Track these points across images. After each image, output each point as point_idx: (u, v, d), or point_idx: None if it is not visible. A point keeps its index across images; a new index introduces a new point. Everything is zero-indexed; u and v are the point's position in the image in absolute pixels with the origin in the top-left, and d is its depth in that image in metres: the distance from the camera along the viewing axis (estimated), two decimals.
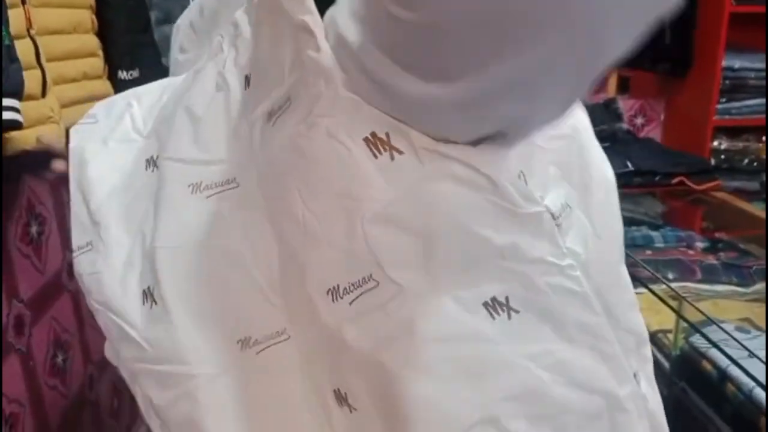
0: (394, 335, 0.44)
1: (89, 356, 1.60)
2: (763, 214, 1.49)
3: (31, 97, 1.06)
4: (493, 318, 0.45)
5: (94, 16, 1.41)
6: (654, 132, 2.62)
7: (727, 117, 2.32)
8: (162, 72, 1.87)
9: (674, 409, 0.97)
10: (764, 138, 2.39)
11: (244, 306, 0.50)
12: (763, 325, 1.01)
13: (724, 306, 1.08)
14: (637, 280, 1.15)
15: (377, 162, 0.43)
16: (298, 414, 0.49)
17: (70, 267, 1.48)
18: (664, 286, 1.15)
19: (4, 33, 0.90)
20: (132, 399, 1.84)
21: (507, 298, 0.45)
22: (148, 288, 0.53)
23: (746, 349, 0.85)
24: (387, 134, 0.43)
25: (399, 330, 0.44)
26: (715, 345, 0.90)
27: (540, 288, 0.46)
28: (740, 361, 0.85)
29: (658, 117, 2.61)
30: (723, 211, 1.56)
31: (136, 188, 0.59)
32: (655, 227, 1.49)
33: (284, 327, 0.49)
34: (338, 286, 0.45)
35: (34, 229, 1.32)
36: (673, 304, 0.99)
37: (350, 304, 0.44)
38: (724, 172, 2.43)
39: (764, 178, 2.45)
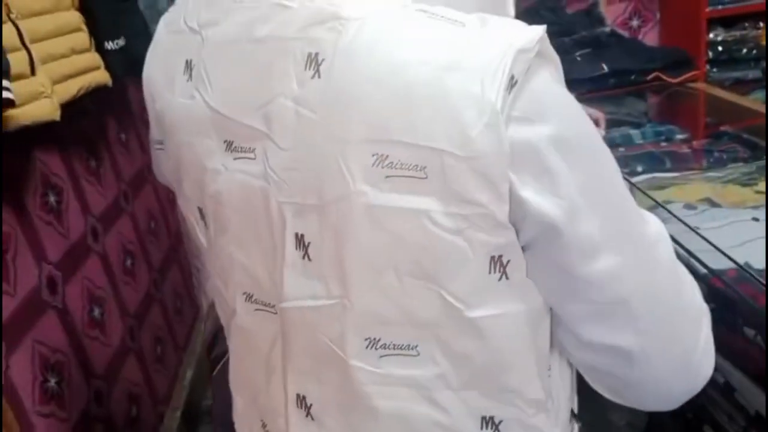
0: None
1: (126, 310, 1.75)
2: (741, 101, 1.50)
3: (21, 77, 1.15)
4: None
5: None
6: (652, 32, 2.59)
7: (720, 7, 2.27)
8: (148, 39, 1.96)
9: None
10: (761, 24, 2.34)
11: None
12: (722, 202, 1.07)
13: (688, 189, 1.13)
14: None
15: None
16: None
17: (93, 231, 1.63)
18: (633, 178, 1.21)
19: None
20: (175, 345, 2.02)
21: None
22: None
23: (682, 221, 0.92)
24: None
25: None
26: None
27: None
28: (682, 235, 0.91)
29: (654, 16, 2.57)
30: (701, 101, 1.57)
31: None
32: (637, 126, 1.53)
33: None
34: None
35: (52, 199, 1.44)
36: (633, 192, 1.05)
37: None
38: (723, 64, 2.40)
39: (765, 65, 2.42)
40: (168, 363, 2.02)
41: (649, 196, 1.01)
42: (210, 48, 0.58)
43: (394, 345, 0.54)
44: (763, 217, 0.97)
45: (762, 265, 0.84)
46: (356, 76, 0.49)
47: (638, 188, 1.03)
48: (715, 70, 2.40)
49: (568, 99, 0.52)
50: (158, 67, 0.64)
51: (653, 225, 0.57)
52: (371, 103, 0.49)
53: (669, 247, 0.58)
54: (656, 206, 1.01)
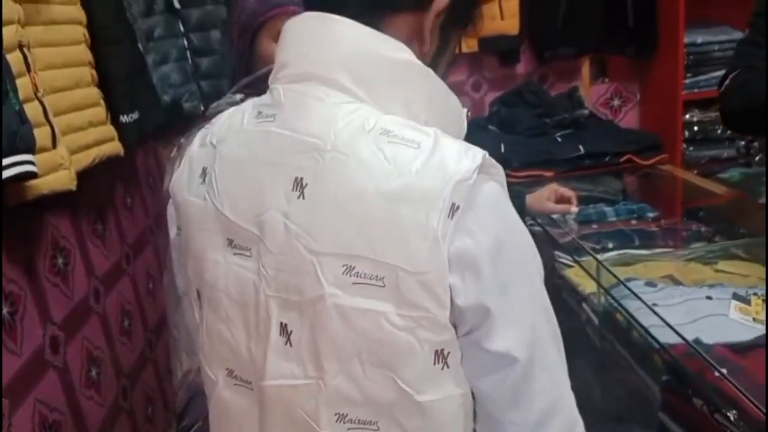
0: None
1: (121, 369, 1.81)
2: (706, 184, 1.62)
3: (43, 150, 1.26)
4: None
5: (93, 71, 1.62)
6: (632, 112, 2.75)
7: (696, 90, 2.44)
8: (161, 111, 2.09)
9: (605, 358, 1.13)
10: None
11: None
12: (683, 280, 1.16)
13: (653, 266, 1.22)
14: (570, 253, 1.31)
15: None
16: None
17: (96, 292, 1.70)
18: (604, 255, 1.31)
19: (13, 100, 1.10)
20: (165, 406, 2.06)
21: None
22: None
23: (639, 298, 1.01)
24: None
25: None
26: (617, 301, 1.06)
27: None
28: (641, 311, 1.00)
29: (634, 97, 2.74)
30: (670, 183, 1.69)
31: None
32: (611, 203, 1.63)
33: None
34: None
35: (59, 261, 1.53)
36: (599, 269, 1.14)
37: None
38: (699, 143, 2.55)
39: (739, 145, 2.56)
40: (157, 424, 2.05)
41: (612, 273, 1.10)
42: (220, 161, 0.71)
43: (359, 420, 0.64)
44: (716, 295, 1.06)
45: (710, 341, 0.93)
46: (329, 201, 0.61)
47: (603, 265, 1.13)
48: (691, 148, 2.55)
49: (505, 211, 0.63)
50: (185, 172, 0.76)
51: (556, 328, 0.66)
52: (339, 225, 0.61)
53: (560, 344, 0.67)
54: (618, 284, 1.10)
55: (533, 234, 1.48)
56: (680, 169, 2.03)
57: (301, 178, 0.63)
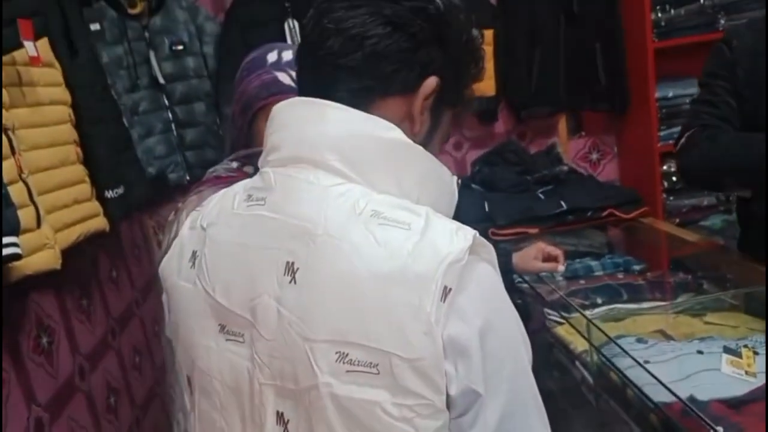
0: None
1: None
2: (686, 235, 1.65)
3: (27, 230, 1.25)
4: None
5: (78, 149, 1.63)
6: (610, 165, 2.81)
7: (671, 141, 2.48)
8: (146, 184, 2.10)
9: (602, 417, 1.11)
10: None
11: None
12: (674, 334, 1.16)
13: (642, 321, 1.23)
14: (558, 310, 1.31)
15: None
16: None
17: (81, 369, 1.66)
18: (593, 311, 1.31)
19: None
20: None
21: None
22: None
23: (631, 357, 1.01)
24: None
25: None
26: (609, 360, 1.05)
27: None
28: (634, 368, 1.00)
29: (612, 150, 2.80)
30: (652, 235, 1.71)
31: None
32: (597, 257, 1.65)
33: None
34: None
35: (44, 340, 1.50)
36: (588, 327, 1.14)
37: None
38: (679, 192, 2.60)
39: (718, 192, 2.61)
40: None
41: (602, 331, 1.10)
42: (211, 245, 0.70)
43: None
44: (707, 349, 1.07)
45: (704, 397, 0.93)
46: (320, 287, 0.61)
47: (592, 323, 1.13)
48: (671, 198, 2.59)
49: (496, 294, 0.63)
50: (175, 255, 0.76)
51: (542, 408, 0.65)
52: (332, 312, 0.60)
53: None
54: (609, 341, 1.10)
55: (522, 292, 1.49)
56: (661, 220, 2.07)
57: (293, 263, 0.62)
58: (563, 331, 1.28)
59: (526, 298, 1.47)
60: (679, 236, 1.64)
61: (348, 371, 0.59)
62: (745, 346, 1.06)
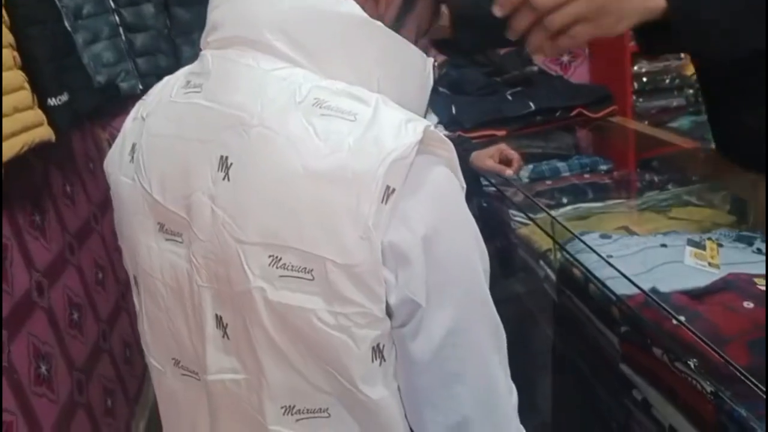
0: None
1: (72, 363, 1.74)
2: (656, 132, 1.62)
3: None
4: None
5: (15, 53, 1.51)
6: (582, 66, 2.75)
7: None
8: (94, 92, 1.98)
9: (563, 313, 1.12)
10: (682, 55, 2.51)
11: None
12: (638, 230, 1.15)
13: (607, 219, 1.21)
14: (524, 211, 1.30)
15: None
16: None
17: (39, 286, 1.62)
18: (559, 210, 1.29)
19: None
20: (126, 397, 2.00)
21: None
22: None
23: (594, 251, 0.99)
24: None
25: None
26: (573, 256, 1.04)
27: None
28: (597, 264, 0.99)
29: (583, 52, 2.73)
30: (620, 134, 1.69)
31: None
32: (564, 158, 1.62)
33: None
34: None
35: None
36: (553, 225, 1.13)
37: None
38: (648, 94, 2.57)
39: (688, 93, 2.58)
40: (119, 416, 1.99)
41: (567, 228, 1.09)
42: (147, 137, 0.65)
43: (307, 410, 0.59)
44: (670, 243, 1.06)
45: (666, 289, 0.92)
46: (254, 183, 0.55)
47: (557, 221, 1.11)
48: (641, 100, 2.57)
49: (451, 201, 0.57)
50: (117, 148, 0.70)
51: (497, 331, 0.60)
52: (265, 213, 0.55)
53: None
54: (573, 238, 1.08)
55: (488, 195, 1.47)
56: (631, 120, 2.04)
57: (227, 157, 0.56)
58: (528, 231, 1.26)
59: (492, 200, 1.45)
60: (650, 135, 1.61)
61: (281, 276, 0.55)
62: (710, 238, 1.06)
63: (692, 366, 0.76)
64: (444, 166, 0.57)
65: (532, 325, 1.34)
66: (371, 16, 0.59)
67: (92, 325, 1.91)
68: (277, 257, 0.54)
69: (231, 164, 0.56)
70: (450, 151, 0.57)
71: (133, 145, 0.66)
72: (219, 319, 0.61)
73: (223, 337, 0.61)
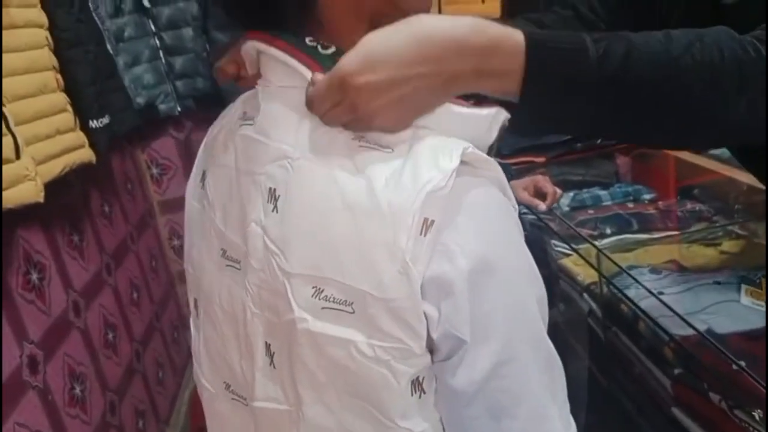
0: None
1: (106, 384, 1.75)
2: (701, 161, 1.57)
3: (6, 161, 1.18)
4: None
5: (58, 75, 1.53)
6: None
7: None
8: (133, 113, 2.01)
9: (609, 349, 1.07)
10: None
11: None
12: (688, 264, 1.11)
13: (654, 251, 1.17)
14: (566, 241, 1.26)
15: None
16: None
17: (75, 306, 1.63)
18: (603, 241, 1.26)
19: None
20: (156, 418, 2.00)
21: None
22: None
23: (645, 288, 0.96)
24: None
25: None
26: (621, 291, 1.00)
27: None
28: (646, 300, 0.95)
29: None
30: (665, 162, 1.64)
31: None
32: (606, 186, 1.58)
33: None
34: None
35: (34, 277, 1.45)
36: (599, 257, 1.09)
37: None
38: None
39: None
40: None
41: (614, 262, 1.05)
42: (212, 166, 0.67)
43: None
44: (724, 280, 1.02)
45: (723, 330, 0.88)
46: (296, 217, 0.56)
47: (604, 254, 1.07)
48: None
49: (495, 224, 0.53)
50: (193, 174, 0.73)
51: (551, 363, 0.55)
52: (307, 245, 0.55)
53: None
54: (620, 272, 1.05)
55: (524, 222, 1.44)
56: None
57: (275, 189, 0.57)
58: (570, 263, 1.22)
59: (532, 228, 1.41)
60: (692, 162, 1.57)
61: (323, 308, 0.54)
62: (765, 276, 1.01)
63: (756, 417, 0.72)
64: (488, 187, 0.54)
65: (571, 359, 1.30)
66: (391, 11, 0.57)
67: (126, 346, 1.91)
68: (319, 289, 0.54)
69: (279, 196, 0.57)
70: (495, 170, 0.55)
71: (203, 173, 0.69)
72: (268, 347, 0.61)
73: (270, 365, 0.62)
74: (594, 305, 1.12)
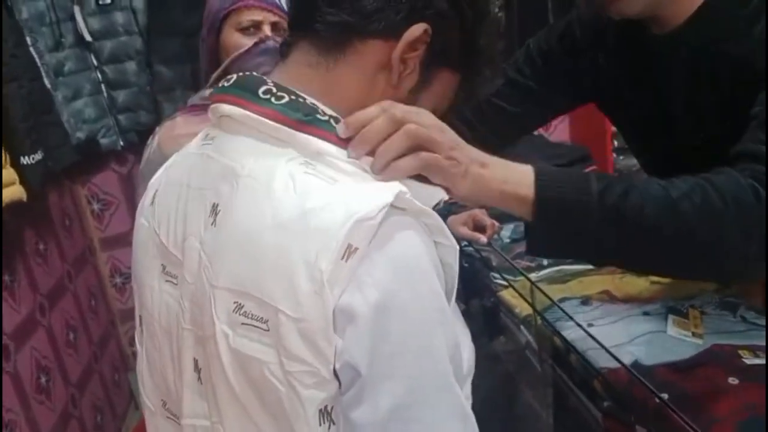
0: None
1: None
2: None
3: None
4: None
5: None
6: (561, 125, 2.77)
7: None
8: (71, 149, 1.96)
9: (546, 382, 1.08)
10: None
11: None
12: (619, 295, 1.12)
13: (589, 282, 1.18)
14: (502, 274, 1.27)
15: None
16: None
17: (5, 349, 1.56)
18: (540, 273, 1.27)
19: None
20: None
21: None
22: None
23: (572, 319, 0.96)
24: None
25: None
26: (551, 325, 1.01)
27: None
28: (578, 332, 0.96)
29: None
30: None
31: None
32: None
33: None
34: None
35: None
36: (532, 290, 1.10)
37: None
38: (627, 152, 2.58)
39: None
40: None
41: (545, 294, 1.06)
42: (164, 185, 0.68)
43: None
44: (652, 311, 1.03)
45: (650, 362, 0.89)
46: (230, 231, 0.56)
47: (536, 286, 1.08)
48: (621, 158, 2.58)
49: (412, 266, 0.53)
50: (145, 195, 0.72)
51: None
52: (235, 259, 0.55)
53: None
54: (552, 305, 1.05)
55: (468, 255, 1.44)
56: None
57: (217, 204, 0.59)
58: (508, 295, 1.23)
59: (473, 261, 1.42)
60: None
61: (243, 323, 0.54)
62: (692, 306, 1.03)
63: None
64: (416, 230, 0.54)
65: (515, 391, 1.29)
66: (385, 86, 0.61)
67: (61, 390, 1.83)
68: (240, 304, 0.54)
69: (219, 211, 0.58)
70: (431, 217, 0.56)
71: (155, 192, 0.70)
72: (196, 363, 0.61)
73: (198, 380, 0.61)
74: (530, 338, 1.12)
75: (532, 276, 1.21)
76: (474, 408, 0.57)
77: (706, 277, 0.94)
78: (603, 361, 0.90)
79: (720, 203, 0.67)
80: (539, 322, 1.07)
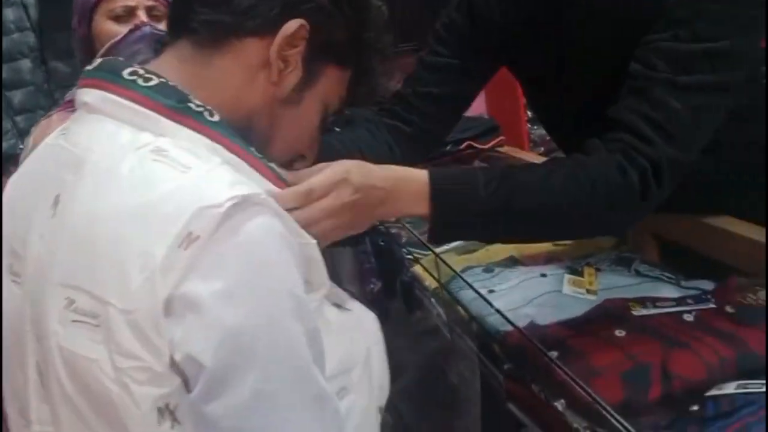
0: None
1: None
2: (540, 159, 1.64)
3: None
4: None
5: None
6: (479, 99, 2.80)
7: None
8: None
9: (457, 351, 1.09)
10: None
11: None
12: (522, 259, 1.15)
13: (495, 250, 1.20)
14: (410, 249, 1.28)
15: None
16: None
17: None
18: (448, 245, 1.28)
19: None
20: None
21: None
22: None
23: (471, 287, 0.98)
24: None
25: None
26: (452, 294, 1.03)
27: None
28: (478, 301, 0.97)
29: None
30: (508, 163, 1.71)
31: None
32: None
33: None
34: None
35: None
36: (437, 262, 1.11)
37: None
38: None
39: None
40: None
41: (447, 265, 1.07)
42: (14, 180, 0.65)
43: None
44: (550, 272, 1.06)
45: (545, 321, 0.91)
46: (67, 222, 0.54)
47: (440, 258, 1.09)
48: (535, 127, 2.65)
49: (263, 254, 0.51)
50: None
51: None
52: (70, 251, 0.53)
53: None
54: (455, 276, 1.07)
55: (381, 233, 1.44)
56: (521, 149, 2.09)
57: (59, 195, 0.56)
58: (419, 269, 1.24)
59: (386, 238, 1.42)
60: (535, 162, 1.63)
61: (73, 320, 0.52)
62: (588, 264, 1.06)
63: (560, 407, 0.74)
64: (267, 217, 0.53)
65: (446, 362, 1.31)
66: (266, 86, 0.61)
67: None
68: (71, 299, 0.52)
69: (59, 202, 0.55)
70: (283, 216, 0.55)
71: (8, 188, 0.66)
72: (38, 366, 0.57)
73: (41, 384, 0.58)
74: (440, 309, 1.13)
75: (442, 248, 1.22)
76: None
77: (583, 238, 1.11)
78: (502, 326, 0.92)
79: (588, 187, 0.79)
80: (444, 293, 1.08)
